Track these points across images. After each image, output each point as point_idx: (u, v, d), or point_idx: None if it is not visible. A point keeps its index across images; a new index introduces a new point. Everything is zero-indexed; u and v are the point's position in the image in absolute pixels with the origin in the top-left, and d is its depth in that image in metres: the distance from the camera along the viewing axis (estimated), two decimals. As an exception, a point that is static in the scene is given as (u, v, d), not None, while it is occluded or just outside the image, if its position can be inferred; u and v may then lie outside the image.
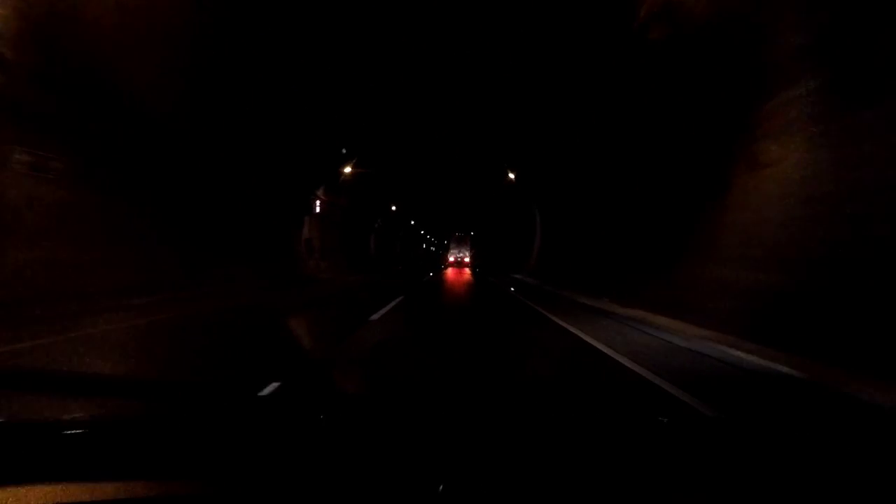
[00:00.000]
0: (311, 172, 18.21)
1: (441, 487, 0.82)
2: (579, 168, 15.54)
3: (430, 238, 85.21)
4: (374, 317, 7.75)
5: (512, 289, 16.36)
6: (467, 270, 36.74)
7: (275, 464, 0.89)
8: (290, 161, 15.56)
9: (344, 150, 19.45)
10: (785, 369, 4.38)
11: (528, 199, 23.91)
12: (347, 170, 20.53)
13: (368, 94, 15.44)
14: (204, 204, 11.64)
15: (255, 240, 14.17)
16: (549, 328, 7.41)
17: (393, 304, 9.79)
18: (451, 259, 49.57)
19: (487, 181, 26.77)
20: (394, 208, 35.71)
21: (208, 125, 11.22)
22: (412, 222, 48.39)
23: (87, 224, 8.06)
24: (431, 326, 7.78)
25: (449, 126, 19.12)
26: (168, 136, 9.95)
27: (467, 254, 49.74)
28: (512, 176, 21.35)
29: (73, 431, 0.98)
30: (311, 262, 19.63)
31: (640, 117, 10.63)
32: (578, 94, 13.04)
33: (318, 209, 19.72)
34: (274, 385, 3.24)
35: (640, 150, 10.92)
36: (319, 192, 19.90)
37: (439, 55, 13.19)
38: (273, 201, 15.35)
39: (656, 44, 8.68)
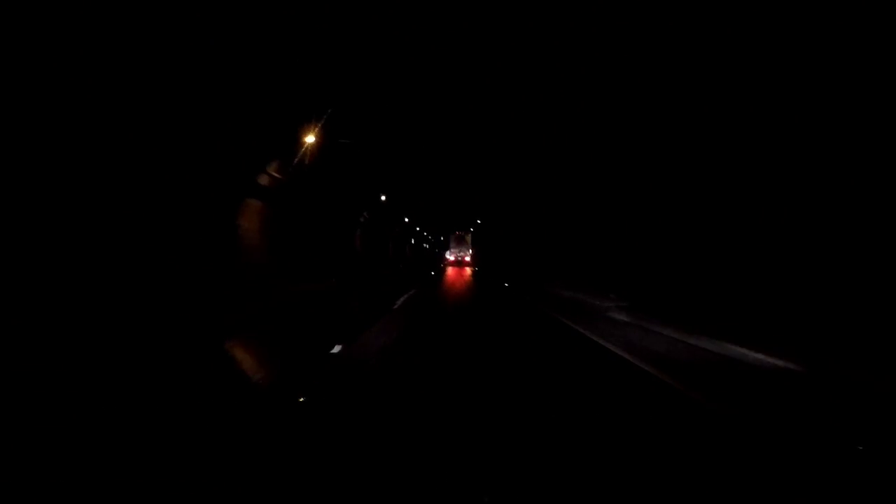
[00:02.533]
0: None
1: None
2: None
3: (427, 235, 76.76)
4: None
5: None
6: (468, 271, 33.76)
7: None
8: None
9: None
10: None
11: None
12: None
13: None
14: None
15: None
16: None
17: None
18: (451, 258, 49.22)
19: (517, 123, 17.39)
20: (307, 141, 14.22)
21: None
22: (383, 197, 30.20)
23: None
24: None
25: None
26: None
27: (467, 253, 49.93)
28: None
29: None
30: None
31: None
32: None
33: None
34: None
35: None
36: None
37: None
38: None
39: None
